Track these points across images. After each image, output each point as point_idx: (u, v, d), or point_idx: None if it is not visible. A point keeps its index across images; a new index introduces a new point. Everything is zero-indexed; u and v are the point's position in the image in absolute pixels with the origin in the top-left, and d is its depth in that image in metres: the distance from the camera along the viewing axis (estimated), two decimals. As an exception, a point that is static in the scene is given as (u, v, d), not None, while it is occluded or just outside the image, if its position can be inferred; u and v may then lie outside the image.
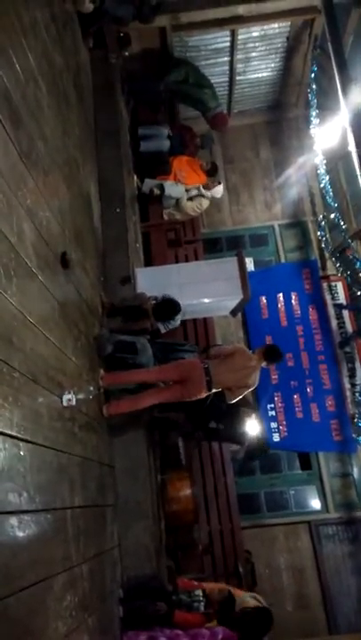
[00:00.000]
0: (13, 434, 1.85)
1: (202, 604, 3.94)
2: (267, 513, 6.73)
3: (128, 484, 4.05)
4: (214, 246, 7.88)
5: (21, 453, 1.91)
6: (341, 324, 7.34)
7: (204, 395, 3.86)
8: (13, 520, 1.76)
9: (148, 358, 4.19)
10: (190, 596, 3.98)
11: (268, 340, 7.25)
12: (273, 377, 7.10)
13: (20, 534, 1.81)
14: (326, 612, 6.34)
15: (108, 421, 3.90)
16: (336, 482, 6.81)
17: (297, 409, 6.99)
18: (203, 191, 6.77)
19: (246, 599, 3.89)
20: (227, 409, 4.74)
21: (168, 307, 4.61)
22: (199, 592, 4.04)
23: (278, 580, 6.48)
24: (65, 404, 2.61)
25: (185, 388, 3.83)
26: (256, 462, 6.81)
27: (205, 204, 6.91)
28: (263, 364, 3.99)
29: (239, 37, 6.74)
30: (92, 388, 3.42)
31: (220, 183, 6.95)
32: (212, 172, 6.91)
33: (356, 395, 6.99)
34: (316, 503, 6.78)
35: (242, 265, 5.50)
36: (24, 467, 1.92)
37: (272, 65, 7.42)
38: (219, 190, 6.92)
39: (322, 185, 7.09)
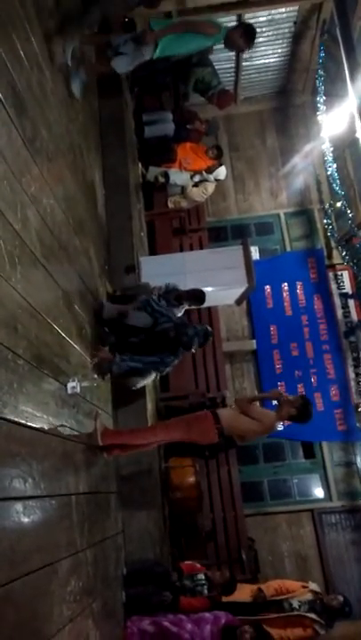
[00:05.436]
0: (18, 420, 1.86)
1: (205, 587, 3.96)
2: (270, 501, 6.76)
3: (132, 471, 4.08)
4: (219, 235, 7.84)
5: (26, 440, 1.93)
6: (347, 314, 7.31)
7: None
8: (19, 506, 1.78)
9: (145, 319, 3.88)
10: (193, 580, 4.00)
11: (273, 329, 7.22)
12: (277, 366, 7.10)
13: (26, 520, 1.83)
14: (328, 599, 6.38)
15: (113, 409, 3.91)
16: (339, 470, 6.83)
17: (301, 398, 6.98)
18: (206, 175, 6.72)
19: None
20: None
21: (197, 296, 4.52)
22: (202, 575, 4.06)
23: (281, 567, 6.53)
24: (69, 391, 2.62)
25: (195, 439, 3.68)
26: (260, 451, 6.83)
27: (211, 188, 6.85)
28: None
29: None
30: (95, 376, 3.43)
31: (221, 164, 6.87)
32: (217, 157, 6.83)
33: (361, 384, 6.99)
34: (319, 492, 6.81)
35: (247, 253, 5.47)
36: (29, 453, 1.93)
37: (279, 50, 7.32)
38: (222, 171, 6.85)
39: (329, 172, 7.02)
